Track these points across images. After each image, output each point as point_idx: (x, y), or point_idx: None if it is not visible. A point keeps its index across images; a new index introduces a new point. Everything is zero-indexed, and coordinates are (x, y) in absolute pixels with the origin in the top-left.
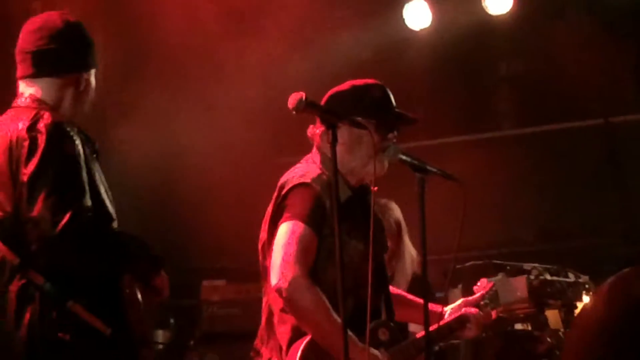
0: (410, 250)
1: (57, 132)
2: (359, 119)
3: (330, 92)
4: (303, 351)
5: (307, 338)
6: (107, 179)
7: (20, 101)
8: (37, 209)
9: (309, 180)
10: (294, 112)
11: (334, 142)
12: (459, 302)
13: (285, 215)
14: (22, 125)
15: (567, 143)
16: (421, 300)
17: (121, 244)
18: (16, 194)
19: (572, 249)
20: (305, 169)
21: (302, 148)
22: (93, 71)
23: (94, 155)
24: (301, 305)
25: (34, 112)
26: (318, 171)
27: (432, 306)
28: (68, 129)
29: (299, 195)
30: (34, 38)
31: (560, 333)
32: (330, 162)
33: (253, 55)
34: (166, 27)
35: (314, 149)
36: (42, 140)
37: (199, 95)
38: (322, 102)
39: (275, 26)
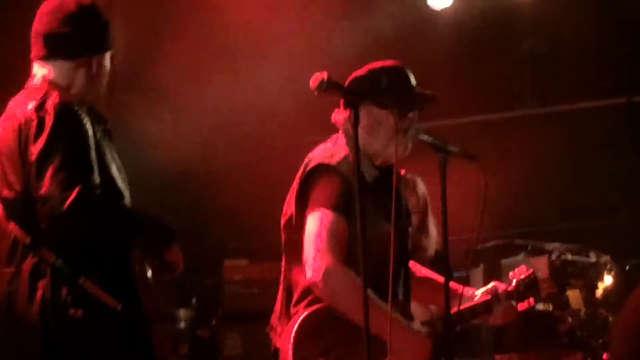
0: (434, 227)
1: (64, 111)
2: (377, 98)
3: (349, 78)
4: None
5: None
6: (128, 158)
7: (32, 82)
8: (45, 186)
9: (334, 163)
10: (316, 93)
11: (355, 122)
12: (489, 285)
13: (312, 203)
14: (31, 106)
15: (590, 122)
16: (440, 279)
17: (131, 220)
18: (25, 173)
19: (594, 227)
20: (332, 149)
21: (325, 129)
22: (108, 54)
23: (107, 135)
24: (338, 292)
25: (42, 92)
26: (345, 152)
27: (454, 286)
28: (76, 108)
29: (325, 180)
30: (47, 20)
31: (582, 313)
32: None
33: (277, 35)
34: (190, 8)
35: (340, 132)
36: (49, 119)
37: (220, 75)
38: None
39: (297, 5)
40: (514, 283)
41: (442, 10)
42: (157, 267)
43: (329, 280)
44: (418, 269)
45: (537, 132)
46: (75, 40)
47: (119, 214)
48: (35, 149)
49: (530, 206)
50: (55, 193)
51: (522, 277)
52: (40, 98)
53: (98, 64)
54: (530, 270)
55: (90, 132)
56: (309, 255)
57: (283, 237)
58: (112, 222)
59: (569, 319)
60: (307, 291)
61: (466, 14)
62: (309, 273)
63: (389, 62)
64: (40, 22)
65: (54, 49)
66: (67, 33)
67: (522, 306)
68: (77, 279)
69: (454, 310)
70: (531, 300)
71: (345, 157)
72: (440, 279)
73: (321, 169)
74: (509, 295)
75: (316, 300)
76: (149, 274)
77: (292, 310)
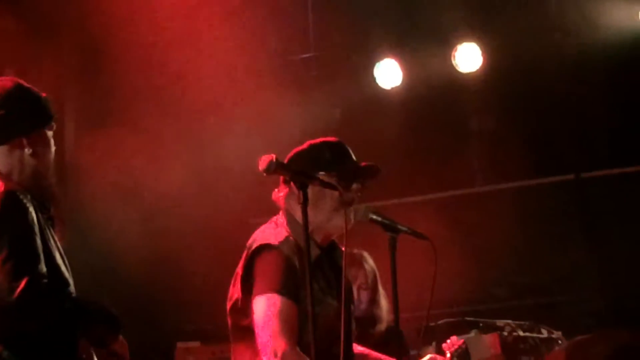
0: (385, 300)
1: (9, 200)
2: (322, 175)
3: (290, 153)
4: None
5: None
6: (78, 239)
7: None
8: None
9: (276, 243)
10: (265, 174)
11: (304, 202)
12: (426, 358)
13: (258, 286)
14: None
15: (539, 199)
16: (387, 358)
17: (77, 309)
18: None
19: (545, 305)
20: (272, 231)
21: (275, 209)
22: (44, 131)
23: (49, 222)
24: None
25: None
26: (285, 233)
27: None
28: (21, 196)
29: (268, 261)
30: None
31: None
32: (296, 223)
33: (228, 117)
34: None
35: (280, 212)
36: None
37: (173, 157)
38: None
39: (249, 87)
40: (447, 355)
41: (392, 89)
42: (104, 357)
43: None
44: (360, 348)
45: (486, 209)
46: (6, 121)
47: (65, 303)
48: None
49: (481, 284)
50: (3, 283)
51: (455, 347)
52: None
53: (31, 144)
54: (461, 341)
55: (35, 220)
56: (263, 341)
57: (230, 321)
58: (59, 311)
59: None
60: None
61: (415, 93)
62: (264, 358)
63: (329, 138)
64: None
65: None
66: None
67: None
68: None
69: None
70: None
71: (286, 238)
72: (374, 354)
73: (264, 250)
74: None
75: None
76: None
77: None
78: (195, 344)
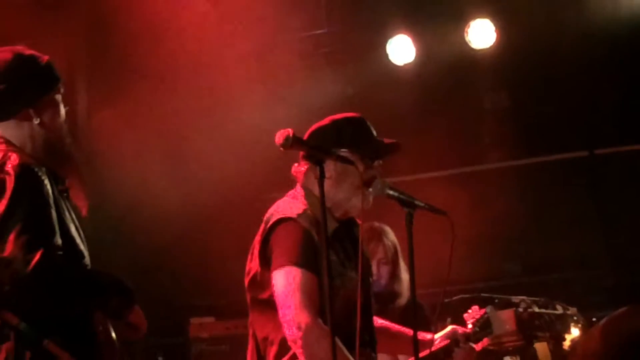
0: (406, 274)
1: (24, 173)
2: (344, 152)
3: (311, 129)
4: None
5: (290, 355)
6: (92, 215)
7: None
8: (8, 248)
9: (294, 216)
10: (282, 149)
11: (321, 177)
12: (447, 329)
13: (277, 260)
14: None
15: (552, 175)
16: (407, 331)
17: (92, 281)
18: None
19: (559, 280)
20: (290, 204)
21: (290, 184)
22: (50, 98)
23: (64, 194)
24: (316, 350)
25: (1, 154)
26: (303, 207)
27: (422, 336)
28: (36, 169)
29: (286, 234)
30: None
31: None
32: (314, 197)
33: (240, 93)
34: (156, 66)
35: (297, 186)
36: (10, 181)
37: (189, 131)
38: (304, 139)
39: (261, 65)
40: (470, 325)
41: (404, 65)
42: (120, 329)
43: (309, 340)
44: (375, 319)
45: (499, 185)
46: (9, 95)
47: (80, 275)
48: None
49: (496, 260)
50: (18, 255)
51: (476, 317)
52: (0, 160)
53: (39, 113)
54: (483, 310)
55: (50, 192)
56: (285, 314)
57: (249, 296)
58: (74, 283)
59: None
60: (286, 345)
61: (428, 69)
62: (287, 331)
63: (350, 114)
64: None
65: None
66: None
67: (478, 347)
68: (41, 342)
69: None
70: (485, 340)
71: (305, 211)
72: (395, 327)
73: (282, 223)
74: (466, 337)
75: (295, 355)
76: (113, 335)
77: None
78: (209, 319)
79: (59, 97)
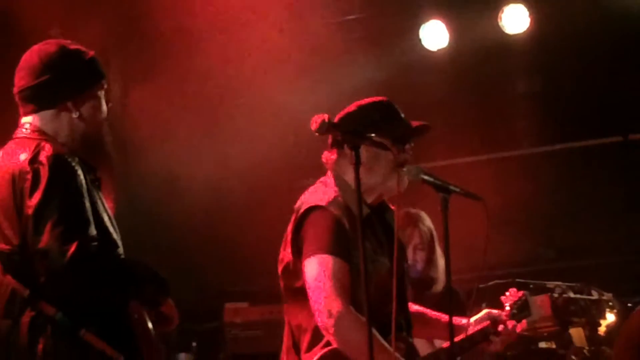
0: (442, 260)
1: (59, 164)
2: (378, 138)
3: (339, 115)
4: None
5: (324, 343)
6: (127, 203)
7: (20, 132)
8: (44, 240)
9: (325, 204)
10: (317, 134)
11: (357, 163)
12: (482, 313)
13: (309, 248)
14: (23, 157)
15: (586, 160)
16: (443, 316)
17: (127, 270)
18: (22, 227)
19: (594, 266)
20: (321, 192)
21: (322, 171)
22: (94, 93)
23: (96, 184)
24: (349, 338)
25: (35, 143)
26: (333, 194)
27: (457, 320)
28: (69, 159)
29: (317, 222)
30: (18, 77)
31: (585, 351)
32: (345, 183)
33: (273, 80)
34: (188, 54)
35: (328, 172)
36: (44, 172)
37: (219, 120)
38: None
39: (292, 50)
40: (507, 307)
41: (438, 50)
42: (153, 317)
43: (341, 327)
44: (414, 306)
45: (534, 171)
46: (50, 86)
47: (115, 265)
48: (31, 203)
49: (530, 245)
50: (55, 246)
51: (514, 299)
52: (33, 150)
53: (78, 107)
54: (521, 292)
55: (83, 183)
56: (316, 302)
57: (282, 284)
58: (110, 273)
59: (573, 357)
60: (319, 333)
61: (461, 54)
62: (320, 319)
63: (378, 98)
64: (15, 79)
65: (31, 101)
66: (41, 82)
67: (518, 328)
68: (78, 331)
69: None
70: (524, 322)
71: (335, 198)
72: (431, 312)
73: (313, 211)
74: (504, 319)
75: (329, 342)
76: (149, 323)
77: (307, 352)
78: (243, 304)
79: (101, 93)
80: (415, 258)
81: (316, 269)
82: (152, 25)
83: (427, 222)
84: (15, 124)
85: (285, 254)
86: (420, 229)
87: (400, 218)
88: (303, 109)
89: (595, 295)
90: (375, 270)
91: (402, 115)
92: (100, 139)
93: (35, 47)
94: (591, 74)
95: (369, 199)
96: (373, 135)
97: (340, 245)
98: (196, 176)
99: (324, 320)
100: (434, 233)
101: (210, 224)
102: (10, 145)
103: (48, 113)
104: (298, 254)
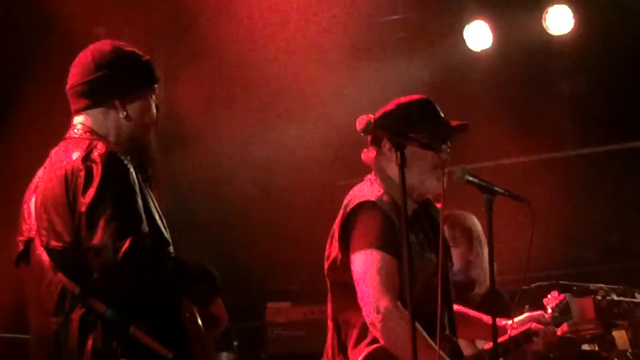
0: (486, 263)
1: (111, 161)
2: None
3: (378, 113)
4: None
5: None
6: (169, 201)
7: (72, 132)
8: (98, 237)
9: (373, 199)
10: (363, 134)
11: (402, 163)
12: (523, 316)
13: (357, 243)
14: (76, 156)
15: (631, 162)
16: (485, 317)
17: (179, 268)
18: (75, 224)
19: (635, 268)
20: (368, 189)
21: (364, 170)
22: (144, 95)
23: (147, 182)
24: (395, 335)
25: (87, 142)
26: (381, 190)
27: (499, 322)
28: (122, 157)
29: (366, 217)
30: (71, 74)
31: (628, 353)
32: (390, 179)
33: (315, 81)
34: (234, 52)
35: (373, 171)
36: (97, 170)
37: (265, 120)
38: None
39: (337, 50)
40: (549, 310)
41: (481, 51)
42: (204, 315)
43: (388, 323)
44: (457, 307)
45: (577, 172)
46: (103, 83)
47: (168, 262)
48: (85, 200)
49: (573, 247)
50: (108, 243)
51: (556, 302)
52: (86, 148)
53: (126, 107)
54: (562, 295)
55: (136, 181)
56: (364, 297)
57: (329, 280)
58: (163, 270)
59: None
60: (367, 329)
61: (505, 55)
62: (367, 315)
63: (416, 96)
64: (69, 76)
65: (82, 99)
66: (94, 79)
67: (558, 331)
68: (128, 329)
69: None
70: (565, 326)
71: (383, 194)
72: (472, 313)
73: (362, 207)
74: (547, 321)
75: (377, 339)
76: (200, 321)
77: (354, 348)
78: (285, 304)
79: (152, 97)
80: (458, 259)
81: (364, 264)
82: (199, 26)
83: (469, 222)
84: (61, 124)
85: (333, 249)
86: (465, 230)
87: (445, 219)
88: (346, 108)
89: (638, 298)
90: (423, 265)
91: (441, 114)
92: (146, 143)
93: (91, 47)
94: (635, 75)
95: (413, 195)
96: (412, 135)
97: (388, 240)
98: (239, 175)
99: (371, 316)
100: (479, 235)
101: (253, 222)
102: (63, 144)
103: (98, 112)
104: (346, 248)
